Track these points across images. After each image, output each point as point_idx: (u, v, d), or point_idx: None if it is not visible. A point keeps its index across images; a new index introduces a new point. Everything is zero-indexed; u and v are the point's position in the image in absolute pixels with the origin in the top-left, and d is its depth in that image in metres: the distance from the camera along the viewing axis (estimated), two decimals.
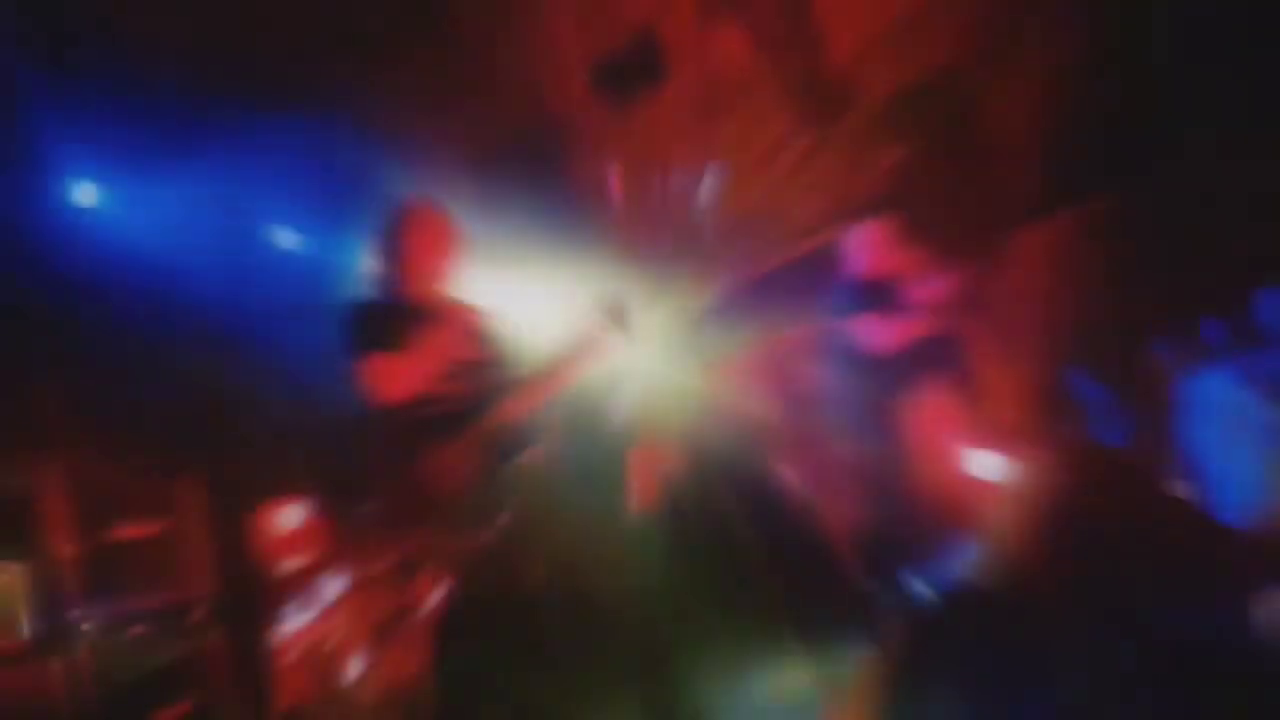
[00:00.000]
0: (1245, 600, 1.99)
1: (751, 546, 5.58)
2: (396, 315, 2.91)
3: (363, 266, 3.00)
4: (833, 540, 2.66)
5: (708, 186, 2.85)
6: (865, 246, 4.62)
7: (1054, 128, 6.23)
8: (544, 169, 5.73)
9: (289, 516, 4.88)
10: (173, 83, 4.04)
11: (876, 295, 4.42)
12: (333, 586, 4.69)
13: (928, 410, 4.72)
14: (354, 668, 4.47)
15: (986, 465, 4.45)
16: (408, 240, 2.93)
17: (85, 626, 3.60)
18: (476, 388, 2.98)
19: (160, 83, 4.01)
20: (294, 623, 4.65)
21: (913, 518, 4.75)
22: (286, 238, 5.14)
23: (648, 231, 6.71)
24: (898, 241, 4.59)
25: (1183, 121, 5.82)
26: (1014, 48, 5.85)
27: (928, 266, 4.41)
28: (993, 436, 4.39)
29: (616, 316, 2.96)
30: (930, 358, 4.41)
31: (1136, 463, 4.38)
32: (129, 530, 4.00)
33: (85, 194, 4.27)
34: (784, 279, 6.50)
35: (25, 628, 3.44)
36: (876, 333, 4.28)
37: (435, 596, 4.93)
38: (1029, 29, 5.71)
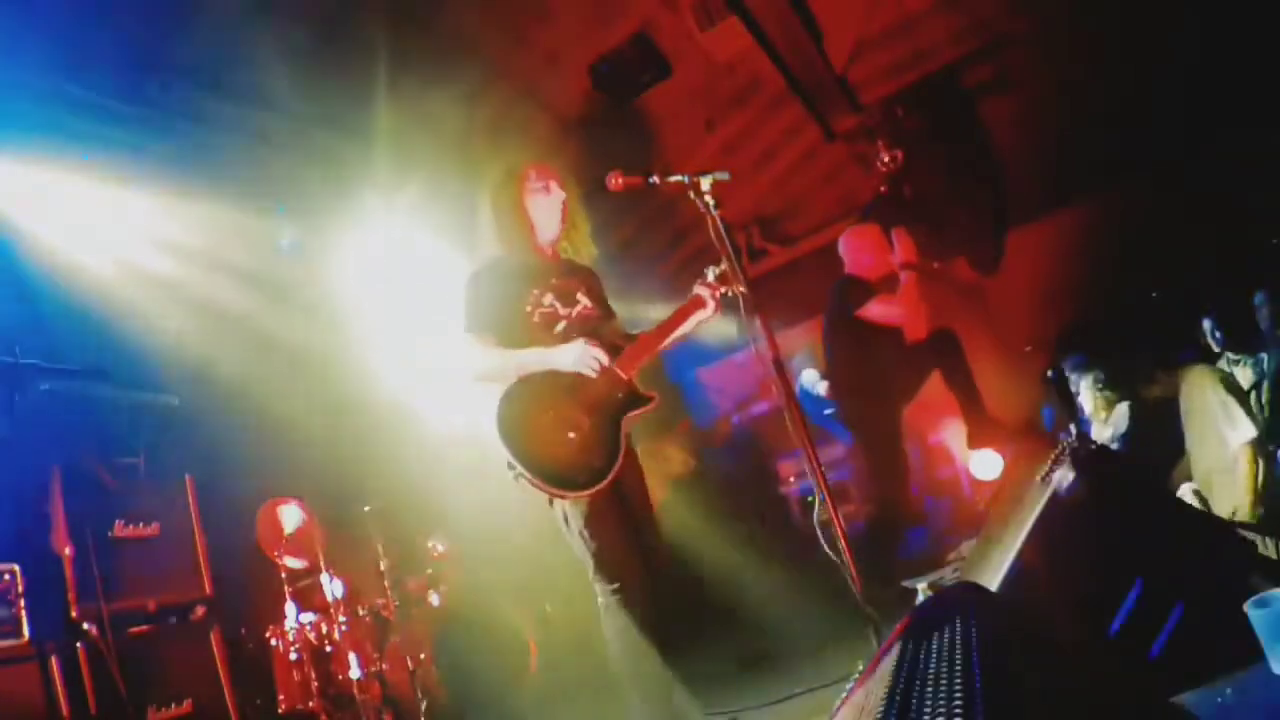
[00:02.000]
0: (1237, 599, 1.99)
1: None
2: (524, 270, 2.97)
3: (485, 226, 3.07)
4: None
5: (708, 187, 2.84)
6: (859, 247, 4.65)
7: (1054, 128, 6.24)
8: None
9: (289, 516, 4.89)
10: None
11: (873, 292, 4.46)
12: (333, 586, 4.70)
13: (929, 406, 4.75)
14: (354, 667, 4.48)
15: (986, 464, 4.46)
16: (526, 201, 3.02)
17: (85, 626, 3.60)
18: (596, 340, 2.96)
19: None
20: (294, 623, 4.65)
21: (913, 515, 4.76)
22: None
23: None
24: (888, 241, 4.63)
25: (1181, 122, 5.83)
26: (1013, 48, 5.86)
27: (918, 264, 4.44)
28: (991, 434, 4.39)
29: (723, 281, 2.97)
30: (930, 351, 4.45)
31: (1133, 460, 4.38)
32: (129, 530, 4.00)
33: None
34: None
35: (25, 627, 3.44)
36: (890, 315, 4.35)
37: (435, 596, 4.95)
38: (1028, 30, 5.72)
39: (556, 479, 2.70)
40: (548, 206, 3.05)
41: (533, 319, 2.91)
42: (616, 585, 2.77)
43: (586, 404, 2.81)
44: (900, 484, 4.38)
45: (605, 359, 2.82)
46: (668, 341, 2.99)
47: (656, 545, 2.95)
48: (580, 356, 2.81)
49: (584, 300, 3.02)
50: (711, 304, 2.95)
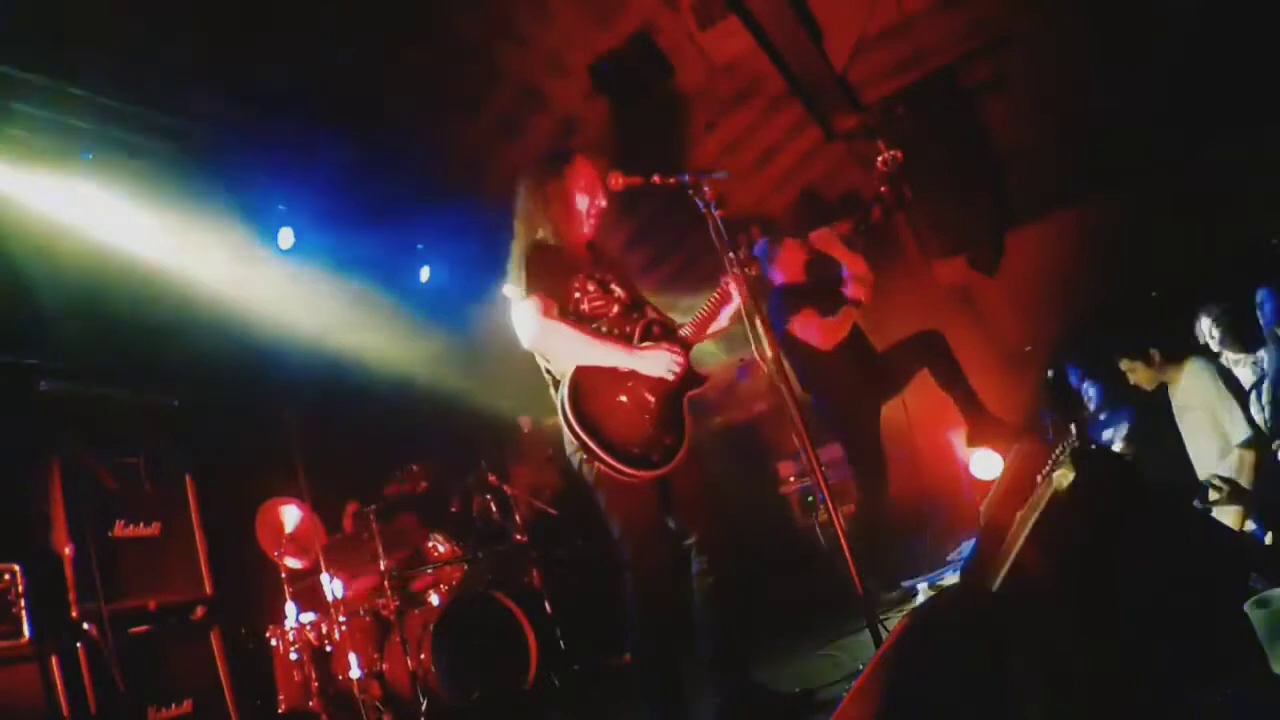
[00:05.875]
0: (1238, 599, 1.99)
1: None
2: (570, 256, 2.98)
3: (523, 213, 3.06)
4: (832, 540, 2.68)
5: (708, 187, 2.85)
6: (778, 257, 4.65)
7: (1054, 128, 6.24)
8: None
9: (289, 516, 4.89)
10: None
11: (799, 300, 4.45)
12: (333, 586, 4.70)
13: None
14: (354, 667, 4.48)
15: (986, 463, 4.45)
16: (569, 187, 3.02)
17: (85, 626, 3.60)
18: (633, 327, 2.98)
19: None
20: (294, 623, 4.65)
21: (899, 514, 4.75)
22: None
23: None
24: (810, 250, 4.62)
25: (1181, 122, 5.83)
26: (1013, 48, 5.86)
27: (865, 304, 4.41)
28: (991, 433, 4.38)
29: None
30: (911, 352, 4.46)
31: (1129, 459, 4.38)
32: (129, 530, 4.00)
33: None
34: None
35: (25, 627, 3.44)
36: (809, 333, 4.34)
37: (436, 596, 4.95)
38: (1028, 30, 5.72)
39: (633, 459, 2.72)
40: (595, 197, 3.06)
41: (581, 306, 2.92)
42: (638, 565, 2.80)
43: (651, 383, 2.84)
44: (882, 483, 4.38)
45: (684, 363, 2.85)
46: (705, 337, 3.02)
47: (706, 530, 2.93)
48: (668, 365, 2.82)
49: (618, 290, 3.04)
50: (737, 296, 2.92)
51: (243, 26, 3.99)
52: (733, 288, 2.90)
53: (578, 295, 2.93)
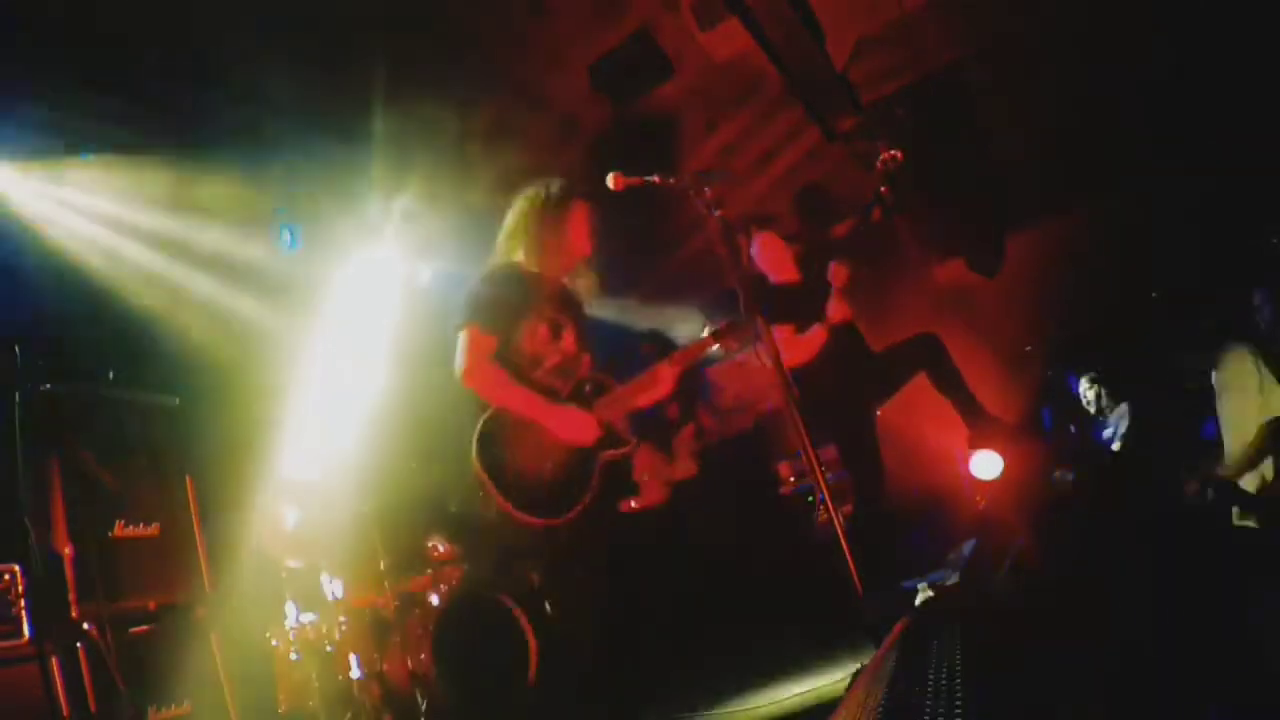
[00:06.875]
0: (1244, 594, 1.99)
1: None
2: (535, 290, 3.00)
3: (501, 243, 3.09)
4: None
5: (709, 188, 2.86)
6: (763, 254, 4.62)
7: (1053, 129, 6.24)
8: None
9: (290, 516, 4.88)
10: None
11: (780, 307, 4.42)
12: (333, 586, 4.69)
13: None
14: (354, 667, 4.48)
15: (986, 463, 4.46)
16: (567, 222, 3.04)
17: (85, 626, 3.60)
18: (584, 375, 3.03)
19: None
20: (294, 622, 4.65)
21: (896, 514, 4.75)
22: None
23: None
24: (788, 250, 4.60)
25: (1181, 121, 5.83)
26: (1013, 48, 5.86)
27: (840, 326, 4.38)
28: (991, 434, 4.38)
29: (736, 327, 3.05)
30: (907, 354, 4.46)
31: (1128, 458, 4.38)
32: (129, 530, 3.99)
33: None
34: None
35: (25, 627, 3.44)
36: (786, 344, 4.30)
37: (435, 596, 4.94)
38: (1027, 30, 5.72)
39: (524, 504, 2.76)
40: (584, 239, 3.08)
41: (523, 345, 2.95)
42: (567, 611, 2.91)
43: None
44: (878, 484, 4.38)
45: (595, 434, 2.87)
46: (635, 408, 3.05)
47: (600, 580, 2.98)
48: (579, 434, 2.85)
49: (567, 338, 3.05)
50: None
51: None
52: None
53: (526, 333, 2.95)
